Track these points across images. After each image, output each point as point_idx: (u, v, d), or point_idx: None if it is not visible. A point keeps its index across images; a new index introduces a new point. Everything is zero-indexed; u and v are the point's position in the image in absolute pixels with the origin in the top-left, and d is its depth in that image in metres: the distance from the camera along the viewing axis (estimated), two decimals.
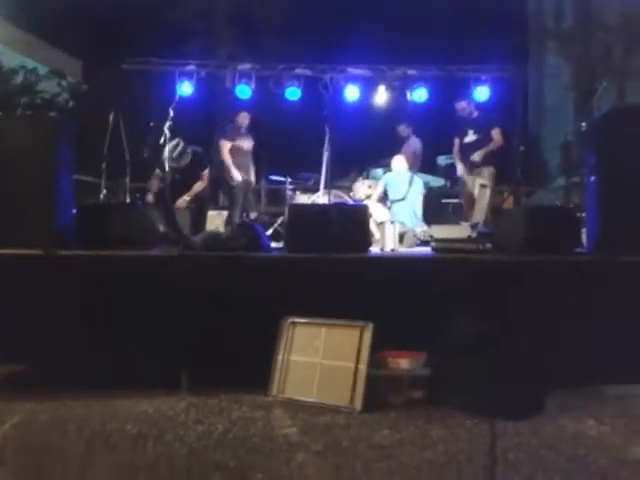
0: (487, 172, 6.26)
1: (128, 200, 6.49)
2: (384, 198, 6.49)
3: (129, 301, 3.11)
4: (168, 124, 5.73)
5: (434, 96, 8.01)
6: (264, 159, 7.83)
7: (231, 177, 6.76)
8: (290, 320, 3.02)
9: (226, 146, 6.86)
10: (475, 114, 6.61)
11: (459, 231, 4.48)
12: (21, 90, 12.45)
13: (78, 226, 3.64)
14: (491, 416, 2.49)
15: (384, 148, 7.87)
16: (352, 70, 8.00)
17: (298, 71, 7.86)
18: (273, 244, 4.67)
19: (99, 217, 3.73)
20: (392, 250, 4.75)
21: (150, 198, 6.04)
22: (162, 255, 3.49)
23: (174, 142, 5.74)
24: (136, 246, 3.48)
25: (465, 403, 2.68)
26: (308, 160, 6.81)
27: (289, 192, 7.52)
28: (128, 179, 6.62)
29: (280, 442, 2.30)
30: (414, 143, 7.60)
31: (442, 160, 9.59)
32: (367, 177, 7.47)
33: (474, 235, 4.47)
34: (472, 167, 6.41)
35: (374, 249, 4.36)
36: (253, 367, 2.94)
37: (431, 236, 4.68)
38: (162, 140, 5.68)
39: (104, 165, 6.29)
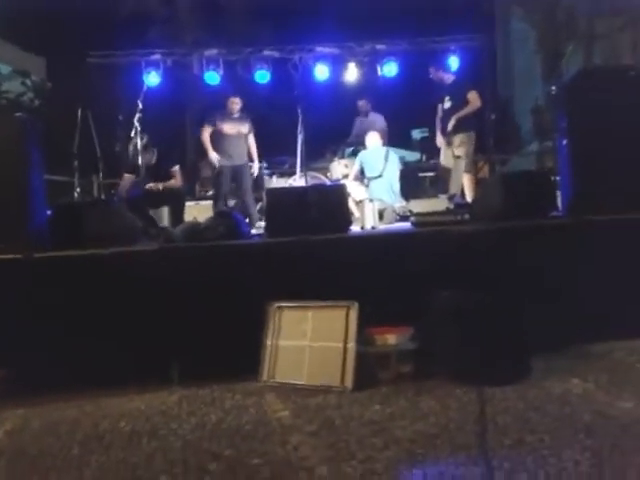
0: (466, 138, 6.19)
1: (103, 197, 6.41)
2: (361, 176, 6.49)
3: (112, 298, 3.09)
4: (138, 116, 5.65)
5: (404, 70, 8.01)
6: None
7: (210, 162, 6.73)
8: (276, 305, 3.03)
9: (206, 131, 6.81)
10: (450, 79, 6.56)
11: (437, 204, 4.52)
12: None
13: (54, 227, 3.59)
14: (479, 384, 2.54)
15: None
16: (321, 49, 7.96)
17: (266, 53, 7.80)
18: (254, 230, 4.67)
19: (75, 216, 3.67)
20: (372, 228, 4.78)
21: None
22: (143, 250, 3.46)
23: (141, 135, 5.64)
24: (115, 243, 3.45)
25: (453, 373, 2.73)
26: (282, 143, 6.78)
27: (266, 177, 7.50)
28: (101, 175, 6.53)
29: (274, 426, 2.33)
30: (376, 118, 7.60)
31: (416, 134, 9.63)
32: (342, 156, 7.46)
33: (452, 207, 4.50)
34: (450, 133, 6.33)
35: (354, 228, 4.38)
36: (242, 354, 2.96)
37: (410, 211, 4.72)
38: (132, 133, 5.60)
39: (76, 163, 6.20)
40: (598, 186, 3.71)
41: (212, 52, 7.84)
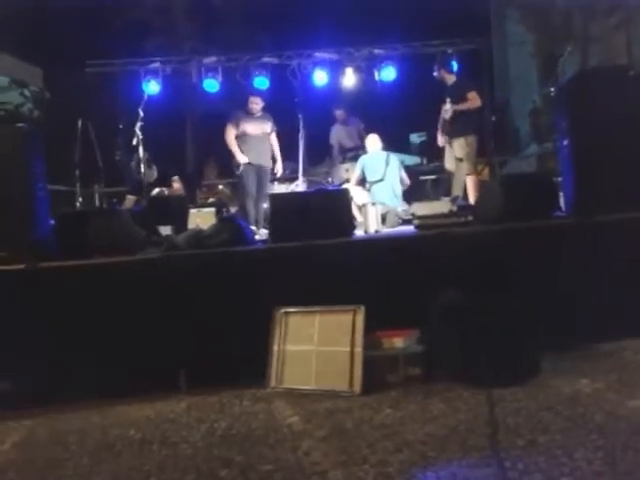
0: (468, 140, 6.19)
1: (105, 206, 6.42)
2: (363, 180, 6.49)
3: (118, 307, 3.08)
4: (139, 125, 5.66)
5: (402, 74, 8.04)
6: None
7: (237, 163, 6.64)
8: (283, 310, 3.03)
9: (231, 132, 6.70)
10: (452, 80, 6.57)
11: (440, 206, 4.51)
12: None
13: (58, 236, 3.59)
14: (487, 385, 2.53)
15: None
16: (319, 54, 7.98)
17: (265, 60, 7.84)
18: (257, 236, 4.67)
19: (79, 225, 3.67)
20: (376, 231, 4.78)
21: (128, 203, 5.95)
22: (147, 258, 3.46)
23: (145, 154, 5.68)
24: (120, 251, 3.45)
25: (461, 375, 2.72)
26: (283, 149, 6.78)
27: (268, 183, 7.49)
28: (103, 185, 6.54)
29: (284, 432, 2.32)
30: (356, 122, 7.64)
31: (415, 138, 9.64)
32: (343, 161, 7.48)
33: (455, 209, 4.50)
34: (452, 134, 6.33)
35: (358, 232, 4.38)
36: (250, 361, 2.95)
37: (413, 214, 4.71)
38: (135, 141, 5.61)
39: (77, 172, 6.20)
40: (601, 186, 3.72)
41: (211, 59, 7.87)
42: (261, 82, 7.71)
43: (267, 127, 6.78)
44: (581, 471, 1.76)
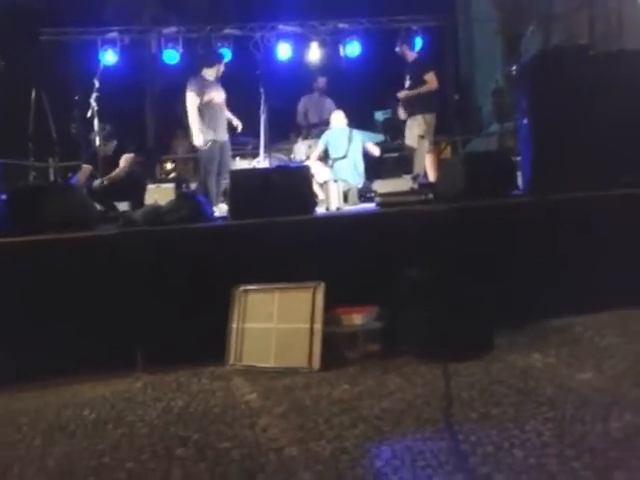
0: (426, 119, 6.22)
1: (60, 180, 6.22)
2: (325, 157, 6.45)
3: (72, 283, 3.00)
4: (94, 95, 5.47)
5: (367, 50, 7.99)
6: None
7: (201, 139, 6.06)
8: (242, 288, 3.00)
9: (194, 101, 5.94)
10: (412, 57, 6.57)
11: (401, 184, 4.53)
12: None
13: (10, 212, 3.47)
14: (443, 360, 2.58)
15: None
16: (283, 27, 7.85)
17: (227, 31, 7.66)
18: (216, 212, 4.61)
19: (32, 200, 3.55)
20: (337, 209, 4.78)
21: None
22: (103, 234, 3.38)
23: (102, 126, 5.48)
24: (74, 227, 3.35)
25: (418, 350, 2.76)
26: (245, 124, 6.66)
27: (230, 158, 7.37)
28: (58, 159, 6.33)
29: (242, 409, 2.32)
30: (328, 100, 7.59)
31: (379, 115, 9.60)
32: (306, 137, 7.41)
33: (416, 187, 4.53)
34: (411, 113, 6.35)
35: (319, 209, 4.36)
36: (209, 339, 2.93)
37: (374, 191, 4.73)
38: (89, 113, 5.43)
39: (30, 145, 5.98)
40: (557, 165, 3.79)
41: (171, 30, 7.65)
42: (223, 54, 7.53)
43: (224, 95, 6.32)
44: (531, 442, 1.81)
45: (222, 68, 6.37)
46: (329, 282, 2.82)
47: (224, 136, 6.32)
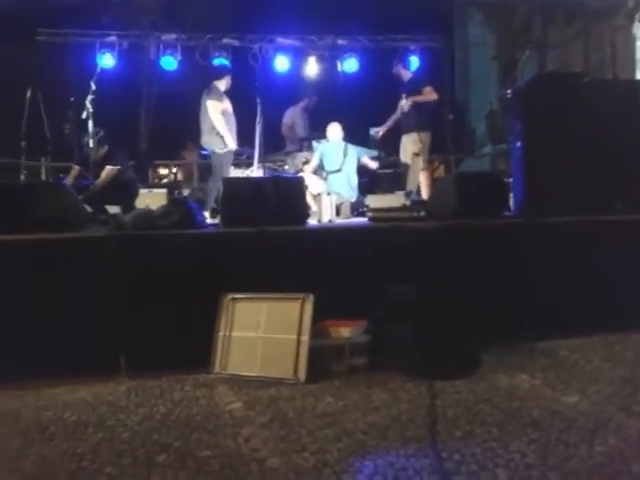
0: (419, 137, 6.25)
1: (51, 180, 6.18)
2: (319, 169, 6.46)
3: (59, 285, 2.96)
4: (90, 98, 5.45)
5: (365, 67, 8.04)
6: None
7: (224, 144, 6.13)
8: (230, 296, 2.98)
9: (217, 108, 6.07)
10: (407, 77, 6.62)
11: (394, 200, 4.55)
12: None
13: None
14: (429, 377, 2.57)
15: (317, 119, 7.82)
16: (282, 40, 7.89)
17: (226, 41, 7.68)
18: (209, 220, 4.58)
19: (21, 199, 3.51)
20: (329, 221, 4.78)
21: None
22: (92, 236, 3.34)
23: (96, 130, 5.47)
24: (63, 227, 3.31)
25: (404, 367, 2.75)
26: (240, 133, 6.66)
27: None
28: (50, 158, 6.29)
29: (225, 418, 2.29)
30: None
31: (374, 132, 9.65)
32: (302, 149, 7.42)
33: (408, 203, 4.55)
34: (405, 130, 6.39)
35: (311, 221, 4.36)
36: (194, 346, 2.90)
37: (367, 206, 4.73)
38: (84, 115, 5.41)
39: (23, 144, 5.94)
40: (548, 189, 3.83)
41: (170, 36, 7.66)
42: (221, 63, 7.55)
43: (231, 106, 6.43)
44: (515, 463, 1.80)
45: (229, 80, 6.48)
46: (319, 294, 2.81)
47: (235, 144, 6.40)
